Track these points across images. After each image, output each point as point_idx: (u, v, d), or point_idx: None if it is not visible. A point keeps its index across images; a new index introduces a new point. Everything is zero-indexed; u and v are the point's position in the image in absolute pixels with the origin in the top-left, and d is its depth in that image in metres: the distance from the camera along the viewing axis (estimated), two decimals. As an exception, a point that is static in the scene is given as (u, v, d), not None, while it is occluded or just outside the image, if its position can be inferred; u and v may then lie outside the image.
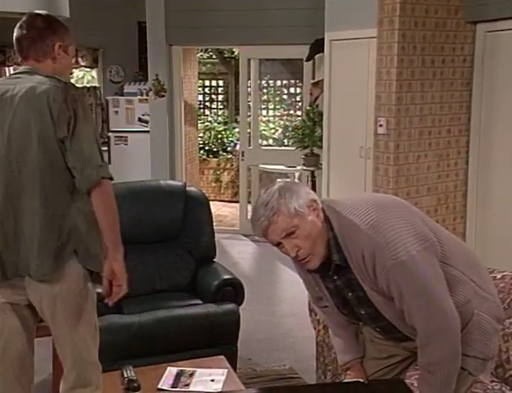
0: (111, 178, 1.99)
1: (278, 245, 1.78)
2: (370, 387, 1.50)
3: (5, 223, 1.98)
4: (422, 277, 1.69)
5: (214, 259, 3.63)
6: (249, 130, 6.51)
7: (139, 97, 7.00)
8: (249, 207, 6.53)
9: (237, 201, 7.03)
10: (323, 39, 5.25)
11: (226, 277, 3.32)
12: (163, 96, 6.31)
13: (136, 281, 3.39)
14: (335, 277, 1.83)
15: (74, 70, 2.40)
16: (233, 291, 3.26)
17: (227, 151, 8.42)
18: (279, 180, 1.83)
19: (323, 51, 5.31)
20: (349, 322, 2.03)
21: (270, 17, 5.80)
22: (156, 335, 2.99)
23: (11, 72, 2.27)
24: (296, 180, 6.02)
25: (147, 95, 6.60)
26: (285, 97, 7.92)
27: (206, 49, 8.88)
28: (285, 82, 7.77)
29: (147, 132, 6.66)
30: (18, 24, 2.12)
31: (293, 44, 5.80)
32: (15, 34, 2.13)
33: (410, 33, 4.07)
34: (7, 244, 1.99)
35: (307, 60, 5.71)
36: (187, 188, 3.73)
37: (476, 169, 4.51)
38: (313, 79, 5.83)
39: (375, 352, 2.03)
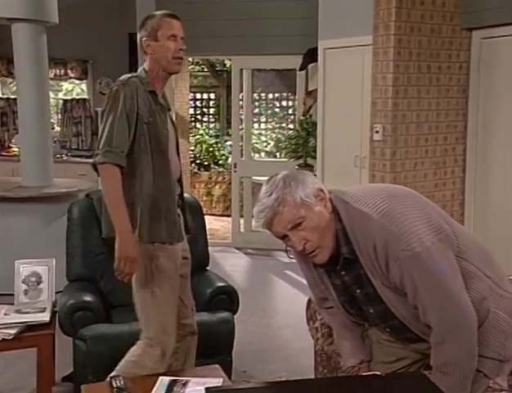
0: (119, 165, 2.22)
1: (283, 238, 1.67)
2: (388, 380, 1.38)
3: None
4: (437, 271, 1.58)
5: (207, 268, 3.50)
6: (241, 143, 6.43)
7: (129, 108, 6.90)
8: (242, 220, 6.43)
9: (229, 215, 6.91)
10: (316, 48, 5.21)
11: (221, 284, 3.19)
12: (153, 106, 6.21)
13: (127, 289, 3.25)
14: (343, 273, 1.72)
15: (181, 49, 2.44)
16: (228, 299, 3.13)
17: (219, 165, 8.32)
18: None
19: (316, 61, 5.27)
20: (355, 323, 1.91)
21: (262, 27, 5.76)
22: (147, 344, 2.84)
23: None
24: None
25: (138, 106, 6.50)
26: (277, 110, 7.86)
27: (197, 62, 8.83)
28: (277, 95, 7.72)
29: (137, 143, 6.54)
30: None
31: (286, 54, 5.75)
32: None
33: (406, 39, 4.02)
34: None
35: (301, 69, 5.67)
36: (180, 194, 3.61)
37: (473, 177, 4.45)
38: (306, 89, 5.78)
39: (383, 355, 1.90)
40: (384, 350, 1.91)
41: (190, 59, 8.15)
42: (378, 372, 1.42)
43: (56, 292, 2.99)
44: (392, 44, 3.98)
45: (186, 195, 3.73)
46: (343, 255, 1.67)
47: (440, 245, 1.60)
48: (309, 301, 2.81)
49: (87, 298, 2.95)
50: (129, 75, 2.35)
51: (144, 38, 2.37)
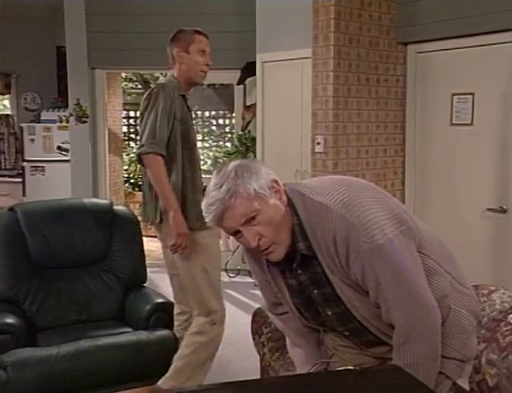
0: (162, 155, 2.56)
1: (236, 234, 1.51)
2: (365, 375, 1.24)
3: None
4: (400, 264, 1.47)
5: (145, 284, 3.28)
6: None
7: (58, 124, 6.56)
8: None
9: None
10: (254, 62, 5.15)
11: (159, 300, 2.99)
12: (85, 122, 5.92)
13: (55, 310, 2.98)
14: (299, 272, 1.58)
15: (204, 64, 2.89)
16: (167, 315, 2.93)
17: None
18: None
19: (254, 75, 5.21)
20: (310, 329, 1.77)
21: (199, 41, 5.64)
22: (78, 369, 2.57)
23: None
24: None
25: (67, 121, 6.18)
26: (214, 128, 7.75)
27: (131, 79, 8.59)
28: (213, 113, 7.61)
29: (67, 161, 6.21)
30: None
31: (223, 69, 5.64)
32: None
33: (345, 50, 4.02)
34: None
35: (239, 83, 5.58)
36: (114, 207, 3.38)
37: (412, 190, 4.47)
38: (244, 103, 5.70)
39: (340, 362, 1.76)
40: (340, 356, 1.77)
41: (124, 75, 7.90)
42: (351, 367, 1.28)
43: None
44: (331, 55, 3.96)
45: (119, 207, 3.56)
46: (300, 252, 1.53)
47: (402, 237, 1.49)
48: (254, 315, 2.65)
49: (9, 320, 2.67)
50: (164, 80, 2.82)
51: (176, 50, 2.74)
